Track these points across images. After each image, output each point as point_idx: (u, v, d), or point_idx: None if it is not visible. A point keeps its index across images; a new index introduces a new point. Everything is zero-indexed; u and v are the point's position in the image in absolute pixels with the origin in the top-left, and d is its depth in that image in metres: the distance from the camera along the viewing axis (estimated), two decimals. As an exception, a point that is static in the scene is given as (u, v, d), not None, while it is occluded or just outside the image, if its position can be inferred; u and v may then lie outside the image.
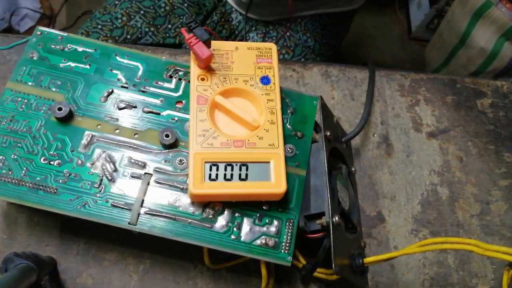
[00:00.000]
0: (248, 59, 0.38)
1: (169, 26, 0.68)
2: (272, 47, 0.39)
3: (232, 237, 0.35)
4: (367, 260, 0.36)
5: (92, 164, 0.35)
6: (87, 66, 0.38)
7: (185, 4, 0.70)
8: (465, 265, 0.45)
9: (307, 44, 0.71)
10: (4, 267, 0.34)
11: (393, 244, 0.45)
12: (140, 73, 0.39)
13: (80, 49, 0.39)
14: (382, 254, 0.35)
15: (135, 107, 0.38)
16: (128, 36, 0.66)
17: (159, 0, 0.69)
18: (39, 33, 0.39)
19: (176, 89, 0.39)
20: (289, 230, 0.36)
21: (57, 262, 0.39)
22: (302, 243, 0.37)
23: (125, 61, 0.39)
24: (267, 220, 0.36)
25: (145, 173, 0.36)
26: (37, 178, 0.34)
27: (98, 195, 0.35)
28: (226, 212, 0.35)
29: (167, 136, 0.36)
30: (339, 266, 0.33)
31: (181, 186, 0.36)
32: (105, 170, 0.35)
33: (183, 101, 0.38)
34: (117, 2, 0.68)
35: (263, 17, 0.71)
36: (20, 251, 0.36)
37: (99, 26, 0.69)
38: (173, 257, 0.41)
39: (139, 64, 0.39)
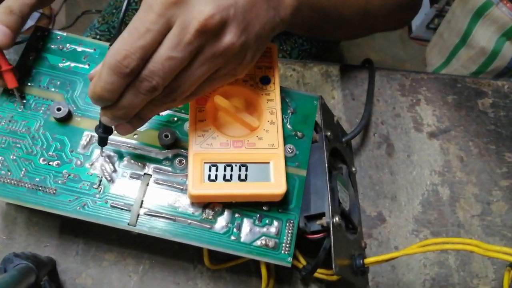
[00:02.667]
0: (248, 59, 0.38)
1: None
2: (272, 47, 0.39)
3: (232, 238, 0.35)
4: (368, 260, 0.36)
5: (91, 164, 0.35)
6: (86, 66, 0.38)
7: None
8: (466, 266, 0.45)
9: (303, 47, 0.71)
10: (3, 268, 0.34)
11: (394, 245, 0.45)
12: (139, 73, 0.39)
13: (79, 49, 0.38)
14: (382, 255, 0.35)
15: (135, 107, 0.37)
16: None
17: None
18: (38, 33, 0.38)
19: (175, 89, 0.38)
20: (289, 231, 0.36)
21: (56, 262, 0.39)
22: (302, 243, 0.37)
23: (125, 61, 0.39)
24: (267, 221, 0.36)
25: (144, 173, 0.36)
26: (36, 179, 0.34)
27: (97, 195, 0.34)
28: (226, 212, 0.35)
29: (166, 136, 0.36)
30: (339, 267, 0.33)
31: (181, 187, 0.36)
32: (104, 171, 0.35)
33: (183, 101, 0.38)
34: (114, 11, 0.68)
35: None
36: (19, 251, 0.35)
37: (98, 36, 0.69)
38: (173, 258, 0.41)
39: (138, 64, 0.39)
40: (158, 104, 0.30)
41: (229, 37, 0.28)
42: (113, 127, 0.32)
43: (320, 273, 0.38)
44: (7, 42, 0.33)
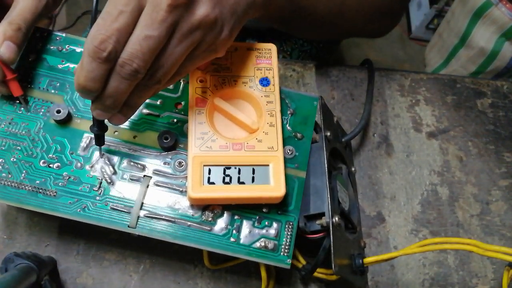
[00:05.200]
0: (248, 60, 0.38)
1: None
2: (272, 47, 0.39)
3: (232, 239, 0.35)
4: (367, 260, 0.36)
5: (91, 166, 0.35)
6: (86, 68, 0.38)
7: None
8: (465, 265, 0.45)
9: (303, 48, 0.71)
10: (4, 267, 0.34)
11: (393, 244, 0.45)
12: (139, 74, 0.39)
13: (78, 50, 0.38)
14: (382, 254, 0.35)
15: (134, 108, 0.37)
16: None
17: None
18: (38, 34, 0.38)
19: (175, 91, 0.38)
20: (289, 233, 0.36)
21: (57, 262, 0.39)
22: (302, 243, 0.37)
23: (124, 62, 0.39)
24: (266, 223, 0.36)
25: (144, 175, 0.36)
26: (37, 181, 0.34)
27: (97, 198, 0.35)
28: (225, 214, 0.35)
29: (166, 138, 0.36)
30: (339, 266, 0.33)
31: (181, 189, 0.36)
32: (104, 173, 0.35)
33: (182, 103, 0.38)
34: None
35: (258, 26, 0.71)
36: (20, 251, 0.36)
37: None
38: (173, 257, 0.41)
39: (138, 66, 0.39)
40: (144, 88, 0.30)
41: (202, 9, 0.29)
42: (106, 122, 0.32)
43: (319, 273, 0.38)
44: (14, 58, 0.34)
